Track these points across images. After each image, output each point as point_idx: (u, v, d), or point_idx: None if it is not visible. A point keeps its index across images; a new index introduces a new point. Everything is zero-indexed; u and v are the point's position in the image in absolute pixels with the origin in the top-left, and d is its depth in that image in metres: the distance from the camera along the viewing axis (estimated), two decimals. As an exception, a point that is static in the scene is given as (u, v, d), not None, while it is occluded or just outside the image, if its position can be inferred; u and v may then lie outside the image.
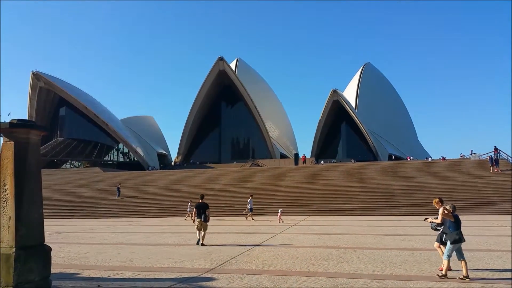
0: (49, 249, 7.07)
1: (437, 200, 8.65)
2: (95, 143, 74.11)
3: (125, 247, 13.86)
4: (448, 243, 8.01)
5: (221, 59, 74.92)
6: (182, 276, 8.46)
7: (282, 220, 23.34)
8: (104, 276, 8.76)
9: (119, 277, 8.71)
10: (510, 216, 24.87)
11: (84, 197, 39.27)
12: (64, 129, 76.34)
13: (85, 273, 9.17)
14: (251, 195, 27.79)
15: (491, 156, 39.14)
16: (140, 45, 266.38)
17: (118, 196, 38.46)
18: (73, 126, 75.65)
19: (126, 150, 76.90)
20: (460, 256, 7.92)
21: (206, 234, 14.15)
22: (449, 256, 7.92)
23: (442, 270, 7.99)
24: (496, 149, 45.04)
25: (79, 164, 74.90)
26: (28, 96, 71.30)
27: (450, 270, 8.16)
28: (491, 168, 37.06)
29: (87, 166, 68.88)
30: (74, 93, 71.70)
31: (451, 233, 8.01)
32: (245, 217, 26.68)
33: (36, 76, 68.98)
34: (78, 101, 70.05)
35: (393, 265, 9.23)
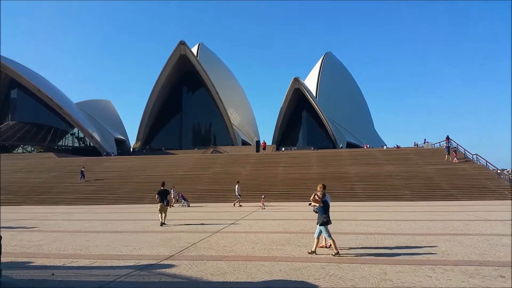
0: (-1, 237, 6.78)
1: (320, 186, 9.52)
2: (48, 127, 70.76)
3: (81, 234, 13.51)
4: (317, 224, 9.01)
5: (182, 43, 73.30)
6: (141, 264, 8.37)
7: (264, 206, 23.79)
8: (58, 264, 8.53)
9: (75, 265, 8.50)
10: (459, 201, 26.36)
11: (37, 184, 37.76)
12: (15, 112, 72.21)
13: (39, 262, 8.88)
14: (238, 182, 27.82)
15: (448, 145, 40.98)
16: (97, 27, 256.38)
17: (82, 179, 37.80)
18: (25, 109, 71.57)
19: (81, 135, 74.08)
20: (328, 236, 8.96)
21: (167, 215, 16.33)
22: (318, 236, 9.05)
23: (323, 246, 9.41)
24: (448, 138, 47.28)
25: (32, 149, 71.49)
26: (-24, 77, 66.93)
27: (325, 247, 9.48)
28: (446, 156, 38.85)
29: (40, 151, 65.87)
30: (26, 74, 67.90)
31: (320, 215, 9.01)
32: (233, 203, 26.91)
33: (-16, 56, 64.81)
34: (30, 82, 66.43)
35: (349, 249, 9.57)
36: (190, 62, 74.71)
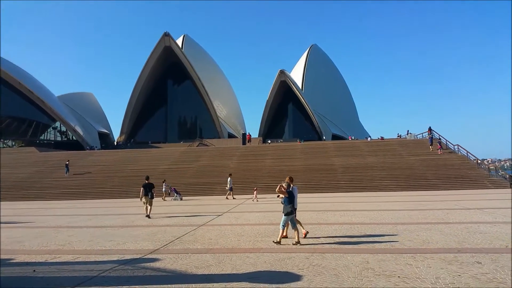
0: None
1: (287, 179, 9.96)
2: (30, 121, 69.28)
3: (63, 230, 13.36)
4: (283, 214, 9.35)
5: (166, 34, 72.31)
6: (125, 258, 8.32)
7: (257, 198, 23.83)
8: (40, 261, 8.39)
9: (57, 261, 8.38)
10: (441, 191, 26.88)
11: (19, 179, 37.15)
12: (-4, 106, 70.62)
13: (20, 258, 8.73)
14: (230, 174, 27.76)
15: (431, 136, 41.57)
16: (81, 20, 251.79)
17: (67, 173, 37.57)
18: (6, 103, 69.93)
19: (64, 128, 72.86)
20: (293, 226, 9.35)
21: (152, 208, 16.87)
22: (283, 226, 9.39)
23: (284, 237, 9.59)
24: (430, 129, 48.07)
25: (13, 144, 70.05)
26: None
27: (286, 237, 9.79)
28: (430, 147, 39.42)
29: (21, 146, 64.67)
30: (6, 67, 66.23)
31: (285, 206, 9.34)
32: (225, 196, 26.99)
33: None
34: (10, 75, 64.74)
35: (332, 239, 9.70)
36: (175, 54, 73.86)
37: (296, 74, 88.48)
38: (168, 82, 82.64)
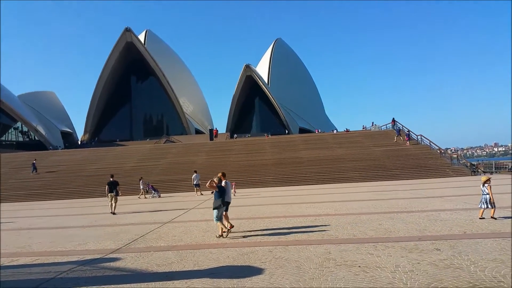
0: None
1: (220, 174, 10.31)
2: (-13, 122, 66.56)
3: (24, 232, 12.88)
4: (212, 208, 9.61)
5: (128, 30, 70.53)
6: (85, 259, 8.05)
7: (236, 192, 23.48)
8: (-5, 265, 8.04)
9: (14, 264, 8.06)
10: (405, 181, 27.62)
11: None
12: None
13: (-27, 263, 8.32)
14: (195, 171, 27.38)
15: (398, 128, 42.54)
16: (40, 16, 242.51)
17: (34, 171, 36.96)
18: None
19: (25, 128, 70.28)
20: (218, 219, 9.58)
21: (116, 205, 17.40)
22: (218, 219, 9.57)
23: (225, 232, 9.64)
24: (393, 120, 49.32)
25: (-29, 145, 66.80)
26: None
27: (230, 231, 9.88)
28: (395, 137, 40.34)
29: (-20, 148, 61.81)
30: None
31: (215, 200, 9.62)
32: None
33: None
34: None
35: (296, 231, 9.73)
36: (137, 50, 72.28)
37: (262, 69, 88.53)
38: (131, 78, 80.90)
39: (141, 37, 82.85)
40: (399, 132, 41.39)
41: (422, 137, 40.60)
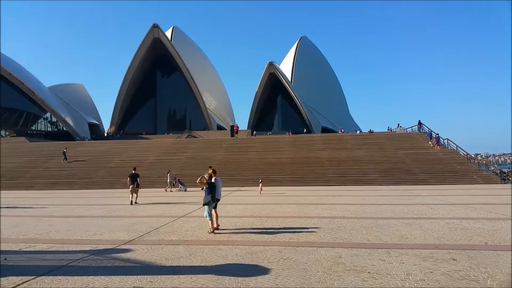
0: None
1: (210, 171, 10.65)
2: (20, 111, 68.71)
3: (45, 219, 13.17)
4: (203, 204, 9.85)
5: (155, 26, 71.55)
6: (98, 248, 8.16)
7: (262, 190, 23.46)
8: (15, 249, 8.27)
9: (31, 249, 8.27)
10: (429, 186, 26.91)
11: (8, 168, 36.67)
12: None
13: (-5, 247, 8.57)
14: (210, 166, 27.76)
15: (431, 131, 41.41)
16: (72, 12, 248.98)
17: (65, 160, 38.29)
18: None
19: (54, 119, 72.27)
20: (209, 215, 9.84)
21: (138, 196, 18.61)
22: (210, 215, 9.83)
23: (215, 228, 9.94)
24: (419, 123, 48.27)
25: (6, 133, 69.17)
26: None
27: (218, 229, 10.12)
28: (430, 142, 39.32)
29: (13, 136, 63.92)
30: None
31: (205, 196, 9.88)
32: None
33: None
34: (1, 66, 64.05)
35: (309, 233, 9.58)
36: (163, 46, 73.16)
37: (286, 67, 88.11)
38: (157, 74, 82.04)
39: (168, 34, 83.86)
40: (431, 136, 40.12)
41: (448, 141, 39.55)
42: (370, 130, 57.94)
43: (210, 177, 10.23)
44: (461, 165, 33.16)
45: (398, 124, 56.88)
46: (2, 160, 39.03)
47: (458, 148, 37.60)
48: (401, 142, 41.08)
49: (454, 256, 7.02)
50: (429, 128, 44.99)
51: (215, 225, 10.04)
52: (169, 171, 28.98)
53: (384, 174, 31.08)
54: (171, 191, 26.78)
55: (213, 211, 10.10)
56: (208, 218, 9.88)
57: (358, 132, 62.24)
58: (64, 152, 39.26)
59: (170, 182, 27.59)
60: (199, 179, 10.06)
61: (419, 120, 47.97)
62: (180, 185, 27.34)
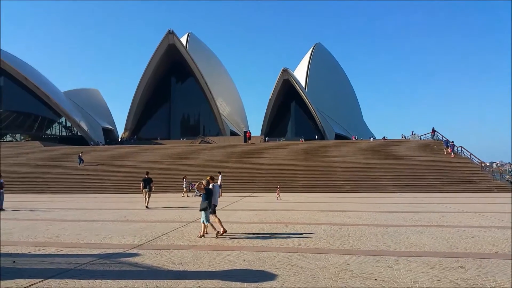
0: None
1: (208, 177, 10.79)
2: (35, 116, 69.96)
3: (56, 223, 13.36)
4: (200, 210, 10.09)
5: (170, 32, 72.27)
6: (106, 252, 8.26)
7: (280, 197, 23.16)
8: (24, 252, 8.41)
9: (40, 253, 8.40)
10: (442, 194, 26.55)
11: (22, 172, 37.29)
12: (2, 101, 71.11)
13: (5, 249, 8.72)
14: (219, 172, 28.01)
15: (447, 140, 40.67)
16: (88, 18, 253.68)
17: (81, 163, 38.92)
18: (12, 98, 70.41)
19: (69, 124, 73.38)
20: (207, 221, 10.07)
21: (149, 200, 19.21)
22: (207, 220, 10.05)
23: (223, 232, 10.16)
24: (433, 130, 47.67)
25: (21, 138, 70.51)
26: (-38, 64, 65.43)
27: (207, 233, 10.31)
28: (445, 150, 38.71)
29: (28, 140, 65.09)
30: (13, 62, 66.73)
31: (202, 202, 10.11)
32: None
33: (-31, 42, 63.51)
34: (17, 71, 65.38)
35: (319, 239, 9.54)
36: (178, 52, 73.79)
37: (300, 73, 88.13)
38: (171, 79, 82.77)
39: (183, 40, 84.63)
40: (447, 144, 39.41)
41: (462, 149, 38.98)
42: (384, 137, 57.48)
43: (208, 183, 10.50)
44: (474, 173, 32.62)
45: (412, 132, 56.35)
46: (16, 164, 39.76)
47: (472, 156, 37.05)
48: (414, 149, 40.64)
49: (463, 264, 6.93)
50: (443, 136, 44.46)
51: (222, 229, 10.16)
52: (185, 176, 28.95)
53: (397, 181, 30.76)
54: (187, 196, 26.80)
55: (214, 216, 10.31)
56: (206, 223, 10.10)
57: (371, 139, 61.78)
58: (80, 156, 39.88)
59: (186, 187, 27.60)
60: (196, 184, 10.65)
61: (433, 128, 47.44)
62: (196, 190, 27.20)
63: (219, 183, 26.62)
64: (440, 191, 28.14)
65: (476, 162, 35.75)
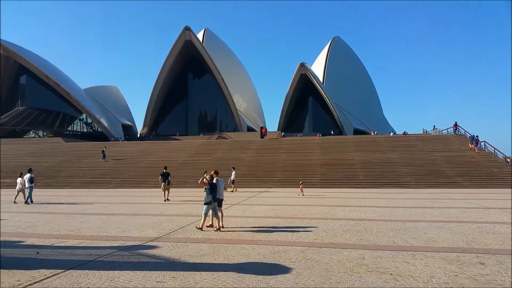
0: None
1: (212, 172, 11.00)
2: (57, 112, 71.65)
3: (77, 216, 13.65)
4: (204, 203, 10.27)
5: (187, 28, 72.63)
6: (126, 245, 8.42)
7: (303, 192, 22.43)
8: (47, 244, 8.65)
9: (62, 245, 8.62)
10: (463, 189, 26.06)
11: (45, 167, 38.18)
12: (25, 98, 73.01)
13: (29, 241, 9.00)
14: (233, 167, 27.78)
15: (472, 135, 39.57)
16: (106, 15, 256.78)
17: (104, 158, 39.92)
18: (34, 95, 72.18)
19: (89, 120, 74.81)
20: (215, 214, 10.39)
21: (169, 193, 20.26)
22: (205, 214, 10.25)
23: (209, 226, 10.65)
24: (455, 124, 46.77)
25: (44, 134, 72.28)
26: (-14, 63, 67.43)
27: (212, 226, 10.67)
28: (470, 145, 37.78)
29: (50, 136, 66.66)
30: (35, 61, 68.36)
31: (206, 196, 10.27)
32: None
33: (-6, 42, 65.10)
34: (38, 69, 66.94)
35: (335, 234, 9.51)
36: (195, 48, 74.17)
37: (317, 67, 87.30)
38: (188, 75, 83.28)
39: (200, 36, 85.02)
40: (473, 139, 38.31)
41: (486, 143, 38.09)
42: (404, 132, 56.70)
43: (212, 178, 10.71)
44: (498, 168, 31.87)
45: (434, 126, 55.42)
46: (40, 160, 40.69)
47: (496, 150, 36.19)
48: (435, 144, 39.97)
49: (482, 260, 6.81)
50: (465, 130, 43.59)
51: (221, 224, 10.42)
52: (205, 171, 29.08)
53: (417, 176, 30.32)
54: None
55: (218, 210, 10.54)
56: (214, 216, 10.45)
57: (391, 134, 61.02)
58: (103, 150, 40.79)
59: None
60: (200, 179, 10.77)
61: (455, 122, 46.54)
62: None
63: (232, 178, 26.72)
64: (461, 186, 27.63)
65: (501, 157, 34.88)
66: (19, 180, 19.75)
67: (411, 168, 32.40)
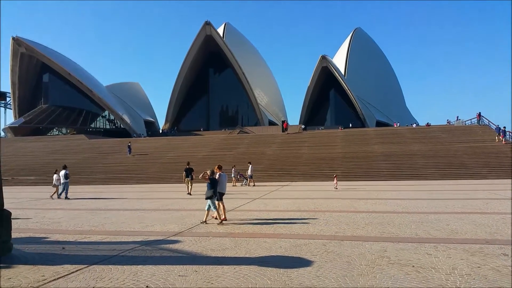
0: (9, 213, 7.11)
1: (216, 167, 11.27)
2: (79, 110, 73.04)
3: (101, 212, 13.93)
4: (206, 198, 10.57)
5: (207, 23, 72.90)
6: (148, 239, 8.56)
7: (337, 184, 21.77)
8: (71, 240, 8.81)
9: (86, 240, 8.78)
10: (487, 180, 25.48)
11: (70, 165, 38.90)
12: (48, 96, 74.70)
13: (54, 237, 9.21)
14: (250, 162, 27.90)
15: (499, 126, 38.38)
16: (126, 12, 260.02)
17: (130, 153, 40.76)
18: (57, 93, 73.84)
19: (112, 117, 76.07)
20: (214, 207, 10.55)
21: (192, 187, 20.91)
22: (210, 207, 10.54)
23: (214, 217, 10.87)
24: (479, 115, 45.65)
25: (67, 131, 73.96)
26: (10, 62, 69.31)
27: (216, 218, 10.78)
28: (497, 137, 36.68)
29: (73, 134, 68.19)
30: (57, 59, 69.84)
31: (207, 190, 10.54)
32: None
33: (17, 41, 66.85)
34: (61, 67, 68.36)
35: (356, 227, 9.47)
36: (216, 43, 74.38)
37: (339, 60, 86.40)
38: (209, 71, 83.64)
39: (220, 30, 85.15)
40: (499, 130, 37.09)
41: (510, 133, 36.99)
42: (428, 124, 55.66)
43: (213, 172, 10.93)
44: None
45: (457, 117, 54.23)
46: (64, 157, 41.68)
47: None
48: (458, 135, 39.11)
49: (506, 251, 6.68)
50: (489, 120, 42.46)
51: (222, 217, 10.75)
52: (234, 166, 29.19)
53: (440, 168, 29.76)
54: (235, 185, 27.00)
55: (219, 203, 10.88)
56: (212, 209, 10.60)
57: (414, 125, 59.97)
58: (129, 145, 41.63)
59: (234, 177, 27.88)
60: (201, 174, 11.02)
61: (479, 112, 45.40)
62: (244, 179, 27.48)
63: (249, 173, 26.80)
64: (485, 177, 27.01)
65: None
66: (55, 176, 20.43)
67: (433, 159, 31.82)
